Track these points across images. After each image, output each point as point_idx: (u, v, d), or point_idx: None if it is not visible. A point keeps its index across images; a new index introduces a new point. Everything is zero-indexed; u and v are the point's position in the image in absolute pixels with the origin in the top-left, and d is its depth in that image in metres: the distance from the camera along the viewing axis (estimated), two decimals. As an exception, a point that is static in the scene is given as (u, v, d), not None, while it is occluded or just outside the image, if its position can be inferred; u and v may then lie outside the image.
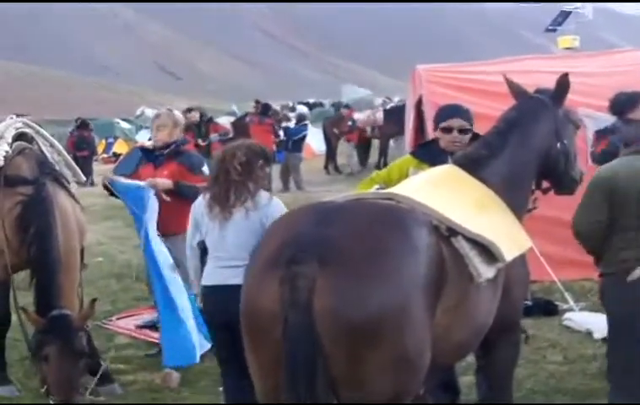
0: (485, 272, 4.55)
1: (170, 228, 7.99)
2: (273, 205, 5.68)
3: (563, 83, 5.49)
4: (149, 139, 11.21)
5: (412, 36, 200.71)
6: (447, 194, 4.87)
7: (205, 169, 8.02)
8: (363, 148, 27.87)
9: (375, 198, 4.72)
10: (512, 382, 5.54)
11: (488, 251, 4.61)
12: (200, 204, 5.91)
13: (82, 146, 27.23)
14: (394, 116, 24.02)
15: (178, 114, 8.63)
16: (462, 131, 5.90)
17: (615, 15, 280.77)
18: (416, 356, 4.06)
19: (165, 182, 7.76)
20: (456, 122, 5.92)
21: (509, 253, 4.76)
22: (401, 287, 4.00)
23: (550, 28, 39.56)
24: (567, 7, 43.16)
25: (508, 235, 4.91)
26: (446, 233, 4.47)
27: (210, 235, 5.81)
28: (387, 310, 3.91)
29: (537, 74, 9.14)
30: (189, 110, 18.49)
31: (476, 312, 4.60)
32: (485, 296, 4.63)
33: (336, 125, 27.13)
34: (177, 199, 7.83)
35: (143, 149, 8.53)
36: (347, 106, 33.49)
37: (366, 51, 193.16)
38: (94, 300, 6.44)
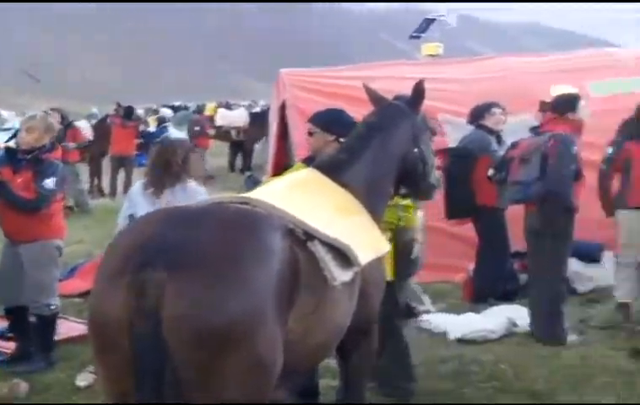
0: (341, 275, 4.53)
1: (23, 235, 7.82)
2: (198, 191, 7.02)
3: (419, 90, 5.57)
4: (9, 140, 10.91)
5: (278, 39, 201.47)
6: (306, 198, 4.85)
7: (48, 183, 7.78)
8: (234, 150, 27.83)
9: (230, 202, 4.64)
10: (366, 384, 5.58)
11: (344, 255, 4.61)
12: (138, 186, 7.25)
13: None
14: (260, 119, 24.03)
15: (53, 122, 8.39)
16: (309, 133, 6.17)
17: (477, 23, 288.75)
18: (269, 361, 3.99)
19: None
20: (306, 126, 6.31)
21: (365, 257, 4.77)
22: (254, 292, 3.92)
23: (415, 35, 40.29)
24: (431, 14, 44.24)
25: (365, 239, 4.94)
26: (302, 237, 4.44)
27: (141, 211, 6.67)
28: (239, 316, 3.81)
29: (403, 80, 9.23)
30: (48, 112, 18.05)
31: (333, 315, 4.59)
32: (341, 299, 4.62)
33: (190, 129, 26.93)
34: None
35: (8, 150, 8.27)
36: (198, 111, 33.03)
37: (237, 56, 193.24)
38: None
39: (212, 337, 3.76)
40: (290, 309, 4.13)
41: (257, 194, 4.86)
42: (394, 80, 9.42)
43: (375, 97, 5.67)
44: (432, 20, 42.30)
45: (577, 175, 8.25)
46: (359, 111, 5.86)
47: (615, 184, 9.17)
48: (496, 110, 10.28)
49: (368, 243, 4.94)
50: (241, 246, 4.03)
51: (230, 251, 3.96)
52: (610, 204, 9.11)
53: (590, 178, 8.96)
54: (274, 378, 4.06)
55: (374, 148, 5.28)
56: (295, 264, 4.23)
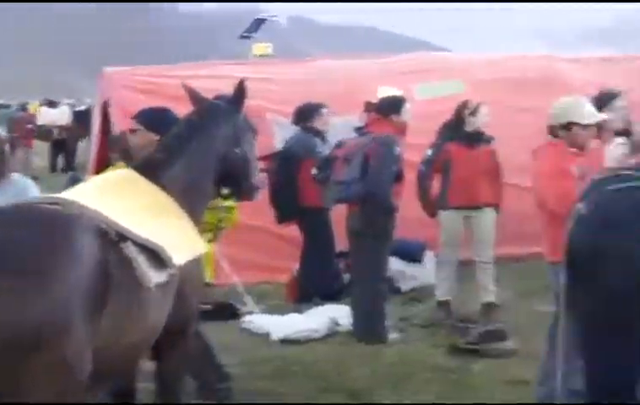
0: (155, 276, 4.46)
1: None
2: (28, 185, 6.42)
3: (241, 89, 5.50)
4: None
5: (108, 37, 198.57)
6: (120, 199, 4.73)
7: None
8: (56, 149, 27.12)
9: (40, 203, 4.46)
10: (181, 385, 5.48)
11: (158, 256, 4.53)
12: None
13: None
14: (84, 117, 23.58)
15: None
16: (131, 131, 6.08)
17: (309, 23, 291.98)
18: (78, 362, 3.93)
19: None
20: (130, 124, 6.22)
21: (180, 258, 4.70)
22: (62, 294, 3.84)
23: (245, 35, 40.18)
24: (262, 14, 44.44)
25: (181, 240, 4.85)
26: (115, 238, 4.33)
27: None
28: (47, 317, 3.74)
29: (231, 79, 9.21)
30: None
31: (147, 316, 4.52)
32: (155, 300, 4.54)
33: (14, 128, 26.04)
34: None
35: None
36: (24, 108, 32.06)
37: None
38: None
39: (20, 339, 3.69)
40: (102, 310, 4.06)
41: (69, 194, 4.72)
42: (222, 79, 9.34)
43: (195, 96, 5.56)
44: (263, 20, 42.30)
45: (399, 177, 8.40)
46: (185, 111, 5.78)
47: (435, 185, 9.41)
48: (323, 111, 10.37)
49: (184, 244, 4.86)
50: (50, 248, 3.94)
51: (38, 253, 3.87)
52: (431, 204, 9.35)
53: (413, 179, 9.16)
54: (84, 378, 4.01)
55: (193, 148, 5.18)
56: (107, 265, 4.16)
